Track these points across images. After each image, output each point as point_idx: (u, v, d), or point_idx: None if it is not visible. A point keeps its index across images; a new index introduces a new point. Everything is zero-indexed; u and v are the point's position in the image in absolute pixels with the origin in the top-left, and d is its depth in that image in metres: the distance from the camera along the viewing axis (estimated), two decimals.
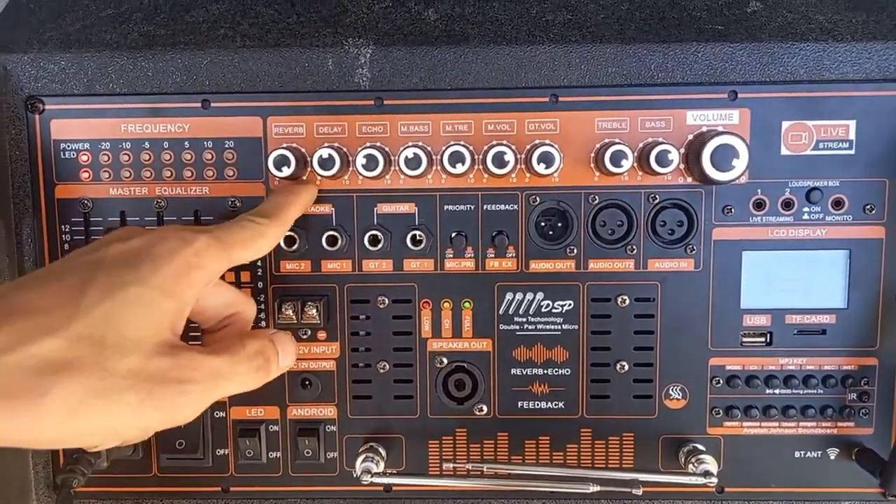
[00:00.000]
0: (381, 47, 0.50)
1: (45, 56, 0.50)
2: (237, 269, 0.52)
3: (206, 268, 0.38)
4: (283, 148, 0.48)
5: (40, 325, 0.33)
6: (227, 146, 0.51)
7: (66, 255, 0.40)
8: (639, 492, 0.49)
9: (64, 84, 0.50)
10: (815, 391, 0.52)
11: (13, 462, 0.53)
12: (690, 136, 0.50)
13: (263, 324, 0.52)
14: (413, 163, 0.48)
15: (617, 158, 0.48)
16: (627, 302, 0.51)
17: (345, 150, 0.50)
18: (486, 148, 0.48)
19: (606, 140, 0.50)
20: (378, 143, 0.50)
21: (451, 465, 0.52)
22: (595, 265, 0.51)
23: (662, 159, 0.47)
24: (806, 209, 0.50)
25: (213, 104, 0.50)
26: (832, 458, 0.53)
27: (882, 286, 0.51)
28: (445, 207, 0.51)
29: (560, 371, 0.52)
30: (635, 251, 0.51)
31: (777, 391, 0.52)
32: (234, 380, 0.39)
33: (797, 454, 0.53)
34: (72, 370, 0.32)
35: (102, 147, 0.51)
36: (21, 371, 0.32)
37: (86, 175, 0.51)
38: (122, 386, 0.34)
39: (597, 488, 0.49)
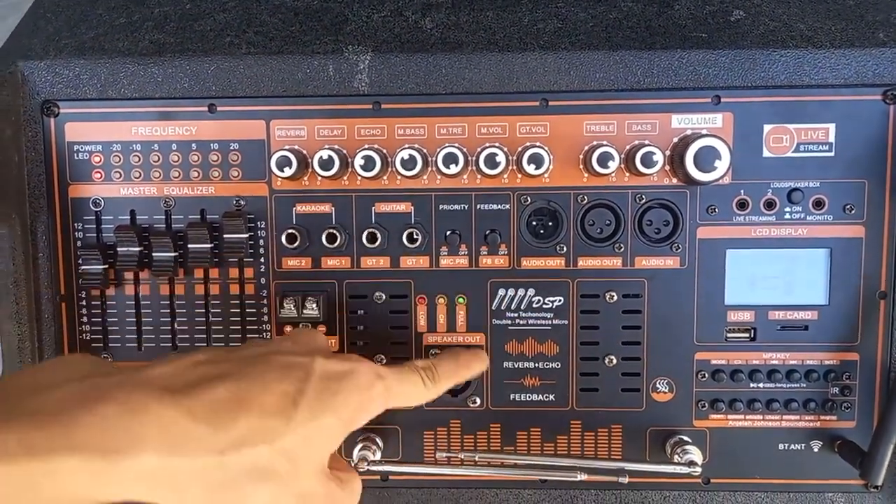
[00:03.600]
0: (379, 54, 0.52)
1: (61, 62, 0.53)
2: (240, 266, 0.54)
3: (372, 413, 0.40)
4: (286, 150, 0.51)
5: (262, 429, 0.34)
6: (232, 148, 0.53)
7: (274, 342, 0.41)
8: (625, 480, 0.50)
9: (78, 89, 0.53)
10: (798, 385, 0.53)
11: None
12: (675, 139, 0.52)
13: (266, 318, 0.54)
14: (409, 164, 0.50)
15: (604, 160, 0.50)
16: (615, 298, 0.53)
17: (344, 151, 0.52)
18: (478, 150, 0.51)
19: (595, 142, 0.52)
20: (376, 145, 0.52)
21: (446, 455, 0.54)
22: (584, 263, 0.53)
23: (647, 161, 0.49)
24: (787, 209, 0.52)
25: (219, 108, 0.53)
26: (815, 450, 0.54)
27: (862, 283, 0.52)
28: (440, 207, 0.53)
29: (550, 365, 0.54)
30: (623, 249, 0.53)
31: (761, 385, 0.54)
32: None
33: (781, 446, 0.54)
34: (268, 481, 0.35)
35: (114, 149, 0.53)
36: (237, 470, 0.34)
37: (98, 175, 0.54)
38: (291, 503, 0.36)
39: (584, 477, 0.50)
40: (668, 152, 0.52)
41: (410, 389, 0.43)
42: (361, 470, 0.52)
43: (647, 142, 0.51)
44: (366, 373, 0.40)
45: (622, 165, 0.52)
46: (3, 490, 0.29)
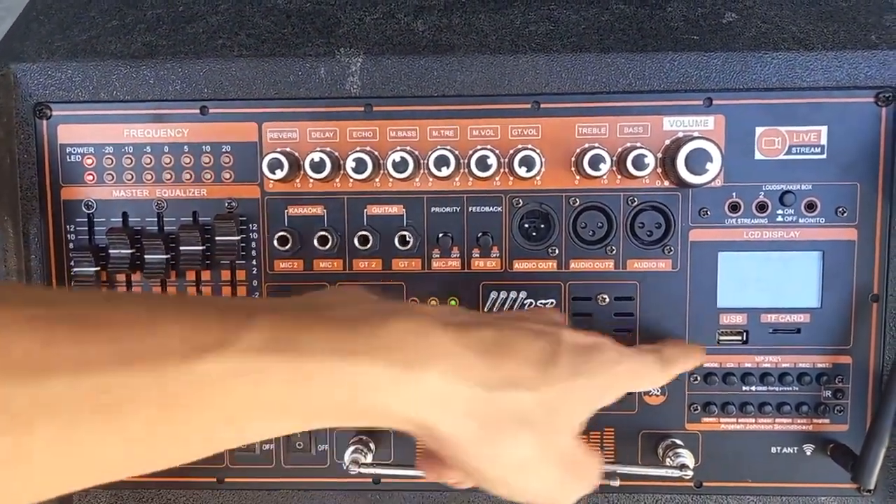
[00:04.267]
0: (371, 57, 0.52)
1: (53, 65, 0.53)
2: (233, 268, 0.54)
3: (617, 391, 0.41)
4: (277, 152, 0.51)
5: (524, 377, 0.35)
6: (224, 150, 0.53)
7: (516, 313, 0.42)
8: (616, 483, 0.50)
9: (70, 91, 0.53)
10: (790, 388, 0.53)
11: None
12: (667, 141, 0.52)
13: None
14: (400, 166, 0.50)
15: (595, 162, 0.50)
16: (607, 300, 0.53)
17: (336, 154, 0.52)
18: (470, 152, 0.51)
19: (586, 144, 0.52)
20: (368, 148, 0.52)
21: None
22: (576, 265, 0.53)
23: (639, 163, 0.49)
24: (780, 212, 0.52)
25: (211, 110, 0.53)
26: (808, 454, 0.54)
27: (855, 286, 0.52)
28: (432, 209, 0.53)
29: None
30: (615, 252, 0.53)
31: (753, 388, 0.53)
32: (595, 482, 0.41)
33: (774, 450, 0.54)
34: (530, 429, 0.35)
35: (106, 151, 0.53)
36: (503, 409, 0.34)
37: (90, 177, 0.54)
38: (551, 459, 0.37)
39: None
40: (659, 155, 0.51)
41: (648, 371, 0.43)
42: (353, 472, 0.52)
43: (638, 144, 0.51)
44: (611, 349, 0.40)
45: (614, 168, 0.52)
46: (301, 386, 0.30)
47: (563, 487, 0.38)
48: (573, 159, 0.52)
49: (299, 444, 0.55)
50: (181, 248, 0.52)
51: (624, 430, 0.54)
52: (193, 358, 0.28)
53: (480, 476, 0.36)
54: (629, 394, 0.54)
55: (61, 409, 0.25)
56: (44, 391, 0.24)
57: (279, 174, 0.50)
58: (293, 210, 0.53)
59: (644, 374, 0.43)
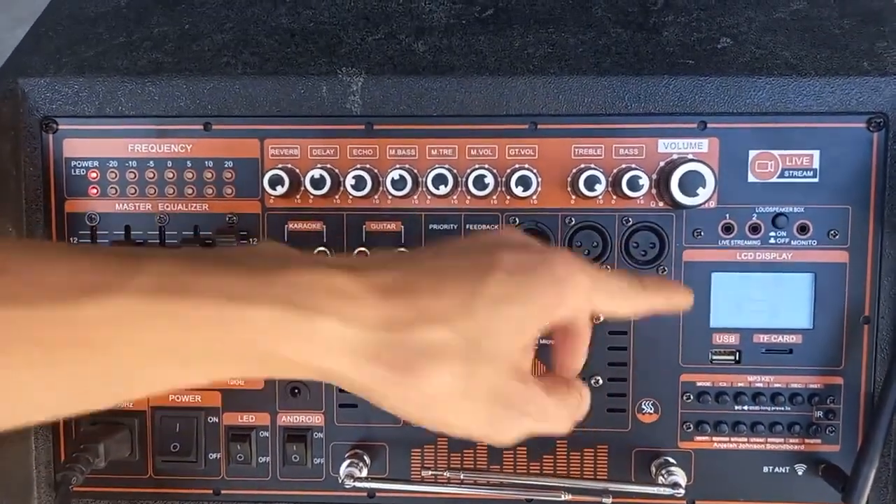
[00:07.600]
0: (372, 76, 0.53)
1: (61, 80, 0.54)
2: None
3: (572, 307, 0.36)
4: (278, 168, 0.52)
5: (435, 311, 0.33)
6: (226, 166, 0.54)
7: (457, 242, 0.38)
8: (608, 500, 0.51)
9: (77, 106, 0.54)
10: (782, 408, 0.54)
11: (17, 462, 0.56)
12: (662, 163, 0.52)
13: None
14: (399, 184, 0.51)
15: (591, 183, 0.51)
16: (601, 318, 0.54)
17: (336, 171, 0.53)
18: (468, 171, 0.51)
19: (582, 165, 0.52)
20: (367, 166, 0.53)
21: (431, 473, 0.54)
22: None
23: (633, 184, 0.50)
24: (772, 234, 0.53)
25: (214, 127, 0.54)
26: (800, 473, 0.54)
27: (846, 308, 0.53)
28: (430, 226, 0.54)
29: None
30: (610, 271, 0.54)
31: (746, 407, 0.54)
32: (552, 423, 0.37)
33: (766, 469, 0.55)
34: (446, 363, 0.33)
35: (110, 165, 0.54)
36: (410, 348, 0.32)
37: (94, 191, 0.55)
38: (478, 394, 0.34)
39: (568, 497, 0.51)
40: (654, 176, 0.52)
41: (618, 288, 0.38)
42: (348, 486, 0.52)
43: (633, 166, 0.52)
44: (561, 265, 0.36)
45: (609, 189, 0.53)
46: (194, 331, 0.30)
47: (495, 423, 0.35)
48: (569, 180, 0.53)
49: (295, 458, 0.55)
50: None
51: (617, 447, 0.55)
52: (71, 301, 0.28)
53: (404, 415, 0.35)
54: (614, 411, 0.54)
55: None
56: None
57: (280, 190, 0.51)
58: (293, 225, 0.54)
59: (614, 290, 0.37)
